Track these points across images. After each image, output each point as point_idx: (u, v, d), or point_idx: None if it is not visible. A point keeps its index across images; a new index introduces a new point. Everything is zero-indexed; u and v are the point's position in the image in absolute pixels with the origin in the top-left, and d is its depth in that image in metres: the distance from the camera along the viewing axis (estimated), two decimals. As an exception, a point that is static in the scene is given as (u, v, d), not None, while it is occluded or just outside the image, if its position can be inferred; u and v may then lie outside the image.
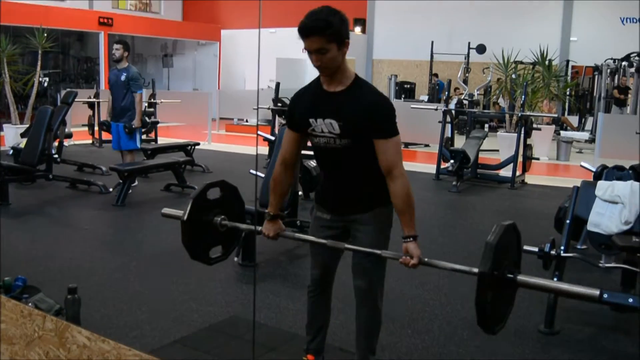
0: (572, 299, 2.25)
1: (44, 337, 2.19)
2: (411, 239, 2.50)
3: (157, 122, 10.44)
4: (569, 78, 15.52)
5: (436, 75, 18.42)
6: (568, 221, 3.98)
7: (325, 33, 2.42)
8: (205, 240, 2.85)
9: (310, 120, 2.62)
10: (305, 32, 2.44)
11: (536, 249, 3.65)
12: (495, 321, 2.25)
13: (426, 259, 2.45)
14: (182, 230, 2.72)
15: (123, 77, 7.14)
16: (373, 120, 2.52)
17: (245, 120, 15.78)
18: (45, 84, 16.20)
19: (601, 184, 4.29)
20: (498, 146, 10.77)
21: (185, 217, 2.69)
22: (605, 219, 4.10)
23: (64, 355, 2.13)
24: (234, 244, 2.98)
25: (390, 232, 2.74)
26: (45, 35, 11.30)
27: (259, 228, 2.83)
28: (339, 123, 2.55)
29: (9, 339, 2.28)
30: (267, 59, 15.71)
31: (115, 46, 7.22)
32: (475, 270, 2.17)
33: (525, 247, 3.77)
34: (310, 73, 19.16)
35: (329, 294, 2.95)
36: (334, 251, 2.83)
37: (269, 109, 11.27)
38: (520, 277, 2.22)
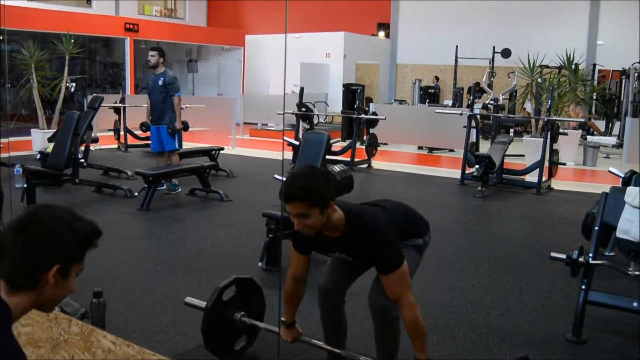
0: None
1: (69, 340, 2.20)
2: None
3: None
4: (595, 82, 15.30)
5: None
6: (597, 228, 3.91)
7: (306, 199, 2.37)
8: (227, 338, 3.08)
9: (329, 254, 2.78)
10: (286, 198, 2.40)
11: (564, 256, 3.60)
12: None
13: None
14: (204, 338, 2.93)
15: (160, 82, 7.37)
16: (373, 261, 2.61)
17: (267, 125, 15.81)
18: (72, 89, 16.41)
19: (631, 190, 4.20)
20: (523, 151, 10.64)
21: (204, 329, 2.92)
22: (634, 225, 4.01)
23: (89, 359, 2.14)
24: (255, 334, 3.19)
25: (423, 252, 2.92)
26: (72, 41, 11.43)
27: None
28: (349, 258, 2.68)
29: (35, 342, 2.30)
30: (291, 64, 15.75)
31: (151, 53, 7.44)
32: None
33: (553, 254, 3.72)
34: (333, 78, 19.12)
35: (341, 312, 2.95)
36: (349, 271, 2.88)
37: (293, 113, 11.31)
38: None
